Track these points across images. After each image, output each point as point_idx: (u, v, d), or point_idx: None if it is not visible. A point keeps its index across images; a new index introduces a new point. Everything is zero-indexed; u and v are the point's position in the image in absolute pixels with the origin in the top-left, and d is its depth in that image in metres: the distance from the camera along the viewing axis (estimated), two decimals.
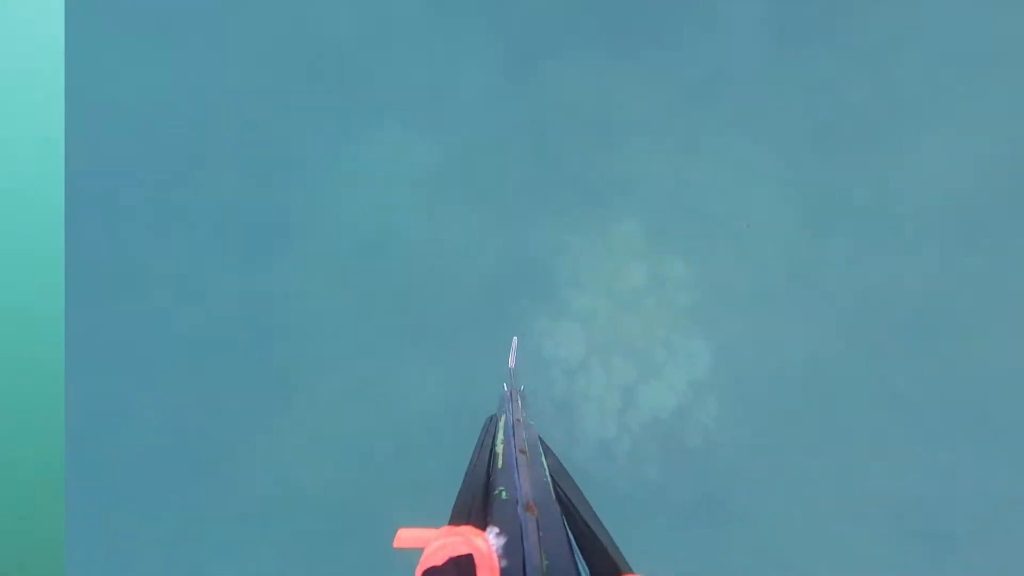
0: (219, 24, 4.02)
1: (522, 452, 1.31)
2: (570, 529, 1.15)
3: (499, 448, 1.40)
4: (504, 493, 1.14)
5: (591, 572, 1.05)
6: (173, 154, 4.02)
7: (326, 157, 4.01)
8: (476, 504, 1.18)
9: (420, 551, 0.91)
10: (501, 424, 1.58)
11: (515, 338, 2.32)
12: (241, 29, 4.03)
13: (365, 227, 3.98)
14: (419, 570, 0.82)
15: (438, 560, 0.78)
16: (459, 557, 0.78)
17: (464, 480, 1.33)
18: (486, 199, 3.99)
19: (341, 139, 3.99)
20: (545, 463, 1.39)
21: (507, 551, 0.93)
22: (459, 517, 1.11)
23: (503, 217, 3.97)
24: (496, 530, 0.97)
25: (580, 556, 1.09)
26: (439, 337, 3.75)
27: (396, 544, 0.97)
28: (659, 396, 3.78)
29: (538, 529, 1.00)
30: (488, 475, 1.32)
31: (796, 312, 3.93)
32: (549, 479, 1.30)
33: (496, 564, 0.89)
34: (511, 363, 2.24)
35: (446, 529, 0.98)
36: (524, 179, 4.03)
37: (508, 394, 1.87)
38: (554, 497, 1.21)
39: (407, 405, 3.82)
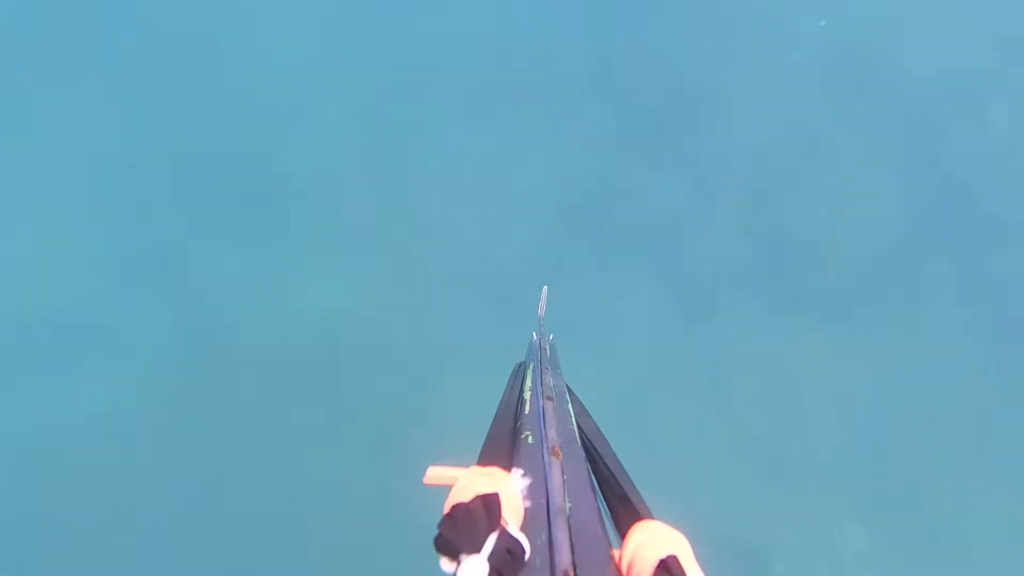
0: None
1: (549, 399, 1.34)
2: (593, 475, 1.19)
3: (527, 394, 1.43)
4: (531, 438, 1.17)
5: (612, 516, 1.08)
6: None
7: None
8: (504, 447, 1.22)
9: (448, 488, 0.96)
10: (529, 371, 1.61)
11: (544, 287, 2.33)
12: None
13: None
14: (447, 505, 0.86)
15: (466, 497, 0.81)
16: (486, 495, 0.81)
17: (492, 423, 1.37)
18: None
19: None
20: (571, 411, 1.42)
21: (531, 492, 0.97)
22: (487, 458, 1.15)
23: None
24: (521, 472, 1.01)
25: (602, 500, 1.12)
26: None
27: (426, 481, 1.01)
28: None
29: (562, 473, 1.03)
30: (516, 419, 1.36)
31: None
32: (575, 426, 1.33)
33: (521, 504, 0.93)
34: (540, 312, 2.26)
35: (474, 469, 1.02)
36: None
37: (537, 342, 1.90)
38: (579, 444, 1.24)
39: None
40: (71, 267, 3.83)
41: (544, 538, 0.87)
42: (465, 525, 0.75)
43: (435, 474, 1.02)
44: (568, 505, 0.96)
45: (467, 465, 1.04)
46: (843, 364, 4.08)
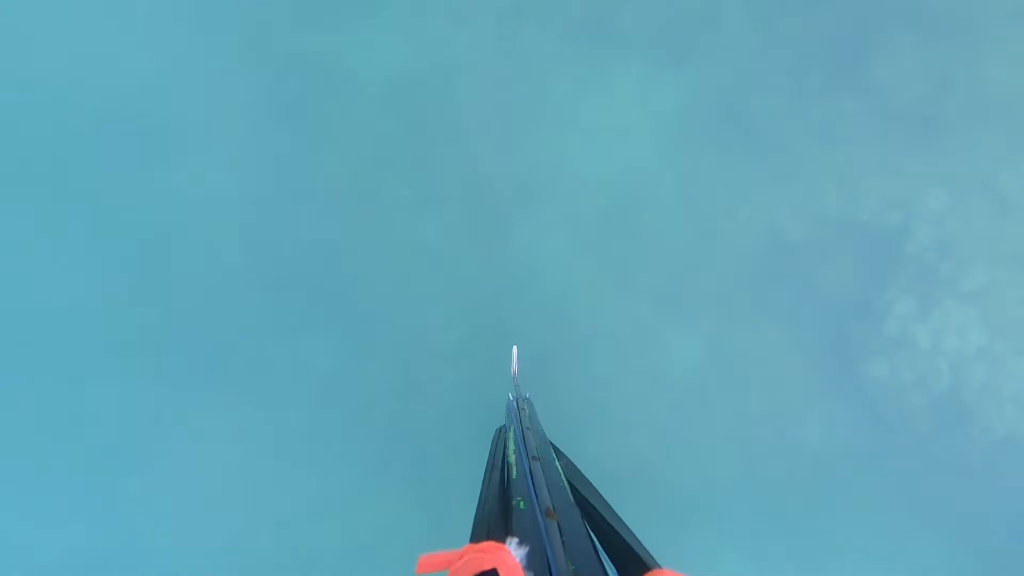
0: None
1: (535, 459, 1.31)
2: (592, 531, 1.15)
3: (511, 458, 1.39)
4: (522, 503, 1.13)
5: (619, 571, 1.04)
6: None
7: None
8: (495, 518, 1.17)
9: (444, 574, 0.90)
10: (511, 434, 1.58)
11: (515, 347, 2.32)
12: None
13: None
14: None
15: None
16: (484, 573, 0.77)
17: (480, 496, 1.32)
18: None
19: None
20: (559, 467, 1.38)
21: (531, 561, 0.93)
22: (479, 533, 1.10)
23: None
24: (517, 540, 0.97)
25: (606, 556, 1.08)
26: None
27: (419, 570, 0.95)
28: None
29: (560, 534, 1.00)
30: (503, 487, 1.31)
31: None
32: (566, 483, 1.30)
33: (522, 575, 0.88)
34: (514, 371, 2.24)
35: (468, 548, 0.97)
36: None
37: (514, 403, 1.87)
38: (572, 500, 1.21)
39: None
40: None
41: None
42: None
43: (427, 561, 0.96)
44: (571, 568, 0.92)
45: (459, 546, 0.99)
46: None
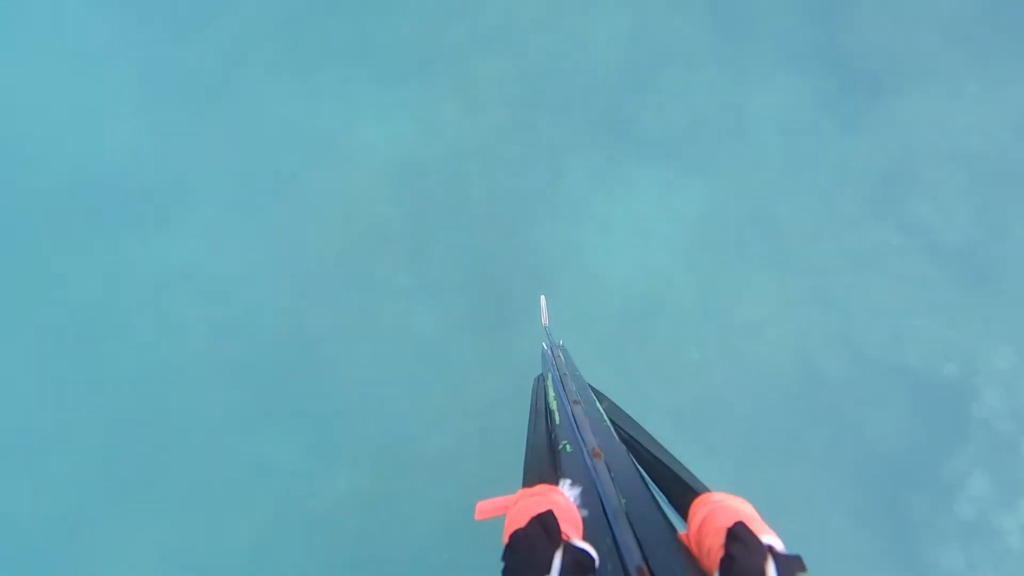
0: None
1: (576, 403, 1.34)
2: (639, 464, 1.18)
3: (553, 405, 1.42)
4: (568, 446, 1.16)
5: (669, 499, 1.07)
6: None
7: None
8: (545, 463, 1.20)
9: (502, 518, 0.94)
10: (549, 382, 1.61)
11: (543, 296, 2.33)
12: None
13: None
14: (506, 535, 0.85)
15: (521, 522, 0.80)
16: (541, 515, 0.80)
17: (527, 444, 1.36)
18: None
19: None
20: (600, 407, 1.41)
21: (585, 500, 0.96)
22: (531, 478, 1.14)
23: None
24: (569, 482, 1.00)
25: (655, 487, 1.11)
26: None
27: (477, 517, 1.00)
28: None
29: (609, 471, 1.03)
30: (549, 433, 1.35)
31: None
32: (608, 422, 1.33)
33: (577, 514, 0.92)
34: (544, 321, 2.26)
35: (522, 492, 1.01)
36: None
37: (549, 351, 1.89)
38: (616, 438, 1.23)
39: None
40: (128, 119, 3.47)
41: (609, 541, 0.85)
42: (527, 551, 0.74)
43: (485, 507, 1.01)
44: (623, 501, 0.95)
45: (513, 491, 1.03)
46: None
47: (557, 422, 1.32)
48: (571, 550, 0.76)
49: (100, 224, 3.31)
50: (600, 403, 1.45)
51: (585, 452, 1.09)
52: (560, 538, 0.77)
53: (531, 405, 1.62)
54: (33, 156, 3.43)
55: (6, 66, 3.59)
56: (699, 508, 0.92)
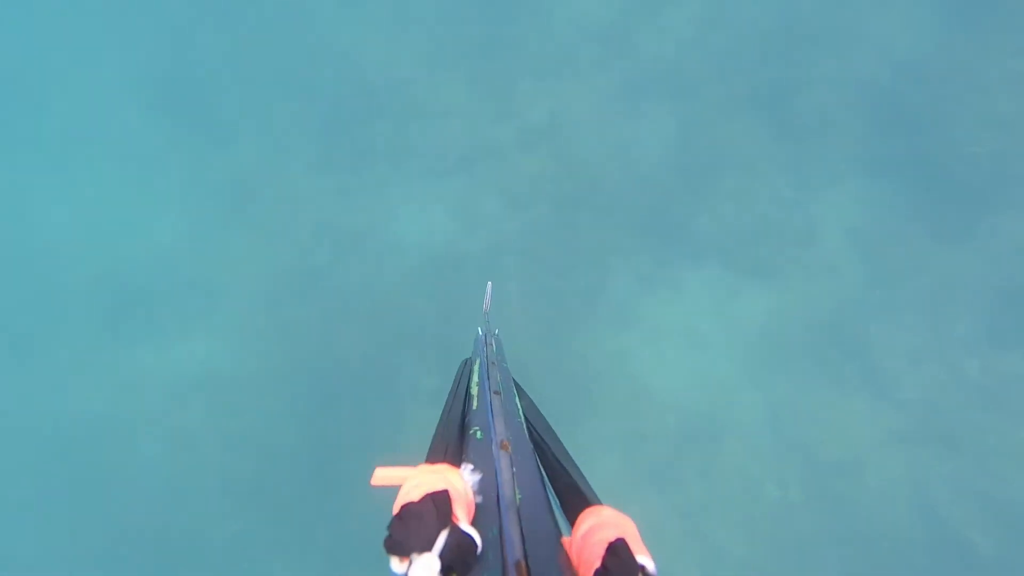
0: None
1: (496, 393, 1.34)
2: (542, 465, 1.20)
3: (474, 390, 1.43)
4: (479, 433, 1.17)
5: (562, 504, 1.10)
6: None
7: None
8: (452, 444, 1.21)
9: (397, 489, 0.94)
10: (476, 367, 1.61)
11: (489, 283, 2.33)
12: None
13: None
14: (396, 506, 0.85)
15: (415, 496, 0.80)
16: (435, 493, 0.80)
17: (440, 421, 1.36)
18: None
19: None
20: (519, 404, 1.43)
21: (482, 487, 0.97)
22: (435, 455, 1.14)
23: None
24: (471, 467, 1.01)
25: (552, 490, 1.14)
26: None
27: (373, 482, 0.99)
28: None
29: (512, 466, 1.04)
30: (463, 416, 1.35)
31: None
32: (523, 419, 1.34)
33: (471, 499, 0.92)
34: (485, 307, 2.26)
35: (422, 467, 1.00)
36: None
37: (483, 337, 1.90)
38: (527, 437, 1.25)
39: None
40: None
41: (496, 531, 0.87)
42: (415, 524, 0.74)
43: (383, 475, 1.00)
44: (518, 497, 0.96)
45: (415, 464, 1.03)
46: None
47: (475, 407, 1.33)
48: (457, 532, 0.77)
49: (121, 330, 3.19)
50: (520, 399, 1.47)
51: (494, 442, 1.10)
52: (450, 519, 0.78)
53: (453, 385, 1.62)
54: (72, 258, 3.35)
55: (62, 173, 3.51)
56: (587, 517, 0.94)
